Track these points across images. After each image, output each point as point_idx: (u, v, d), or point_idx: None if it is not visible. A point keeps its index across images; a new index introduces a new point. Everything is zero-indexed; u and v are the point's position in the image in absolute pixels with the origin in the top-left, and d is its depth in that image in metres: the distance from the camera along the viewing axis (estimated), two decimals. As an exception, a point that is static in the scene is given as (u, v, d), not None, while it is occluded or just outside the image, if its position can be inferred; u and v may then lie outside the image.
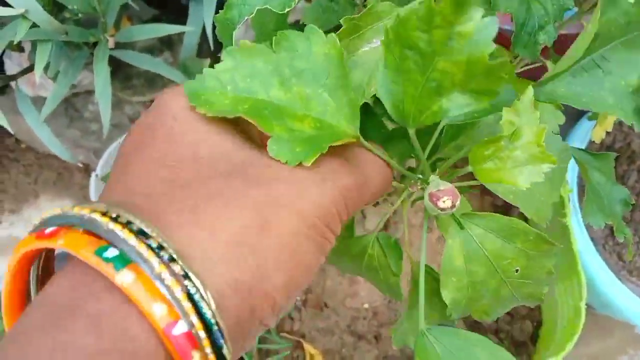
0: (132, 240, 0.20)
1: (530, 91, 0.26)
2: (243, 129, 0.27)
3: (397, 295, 0.35)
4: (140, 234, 0.20)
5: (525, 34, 0.32)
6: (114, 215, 0.20)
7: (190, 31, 0.66)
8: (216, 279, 0.21)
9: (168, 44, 0.94)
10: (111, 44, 0.57)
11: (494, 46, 0.25)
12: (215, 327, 0.20)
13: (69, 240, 0.20)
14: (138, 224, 0.20)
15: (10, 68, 0.79)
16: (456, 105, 0.26)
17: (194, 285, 0.20)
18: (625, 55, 0.30)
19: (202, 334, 0.19)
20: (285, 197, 0.23)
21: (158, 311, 0.19)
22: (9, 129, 0.60)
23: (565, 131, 0.84)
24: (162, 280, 0.19)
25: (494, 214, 0.29)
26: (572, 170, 0.79)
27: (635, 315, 0.74)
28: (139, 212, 0.21)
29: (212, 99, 0.26)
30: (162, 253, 0.20)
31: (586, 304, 0.93)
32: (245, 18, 0.31)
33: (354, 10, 0.41)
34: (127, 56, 0.66)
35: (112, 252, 0.19)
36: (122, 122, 0.98)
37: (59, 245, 0.20)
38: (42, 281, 0.23)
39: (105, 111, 0.63)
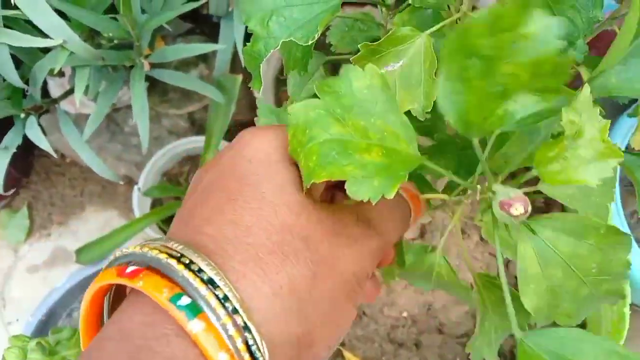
0: (203, 290, 0.21)
1: (587, 88, 0.25)
2: None
3: (473, 301, 0.34)
4: (210, 283, 0.22)
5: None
6: (187, 262, 0.22)
7: (222, 49, 0.67)
8: (273, 330, 0.23)
9: (203, 57, 0.95)
10: (146, 67, 0.59)
11: (558, 44, 0.24)
12: None
13: (147, 283, 0.22)
14: (208, 272, 0.22)
15: (54, 89, 0.82)
16: (522, 106, 0.26)
17: (252, 337, 0.21)
18: None
19: None
20: (329, 257, 0.25)
21: (222, 359, 0.21)
22: (51, 152, 0.63)
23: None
24: (226, 331, 0.21)
25: (561, 213, 0.29)
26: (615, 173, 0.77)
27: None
28: (206, 256, 0.23)
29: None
30: (227, 304, 0.22)
31: (634, 304, 0.91)
32: (271, 51, 0.32)
33: (379, 30, 0.41)
34: (162, 75, 0.68)
35: (185, 301, 0.21)
36: (161, 135, 1.01)
37: (139, 286, 0.22)
38: (112, 305, 0.26)
39: (143, 130, 0.65)
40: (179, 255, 0.22)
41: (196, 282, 0.21)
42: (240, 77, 0.73)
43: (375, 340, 0.72)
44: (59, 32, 0.52)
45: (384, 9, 0.37)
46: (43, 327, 0.78)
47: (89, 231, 1.13)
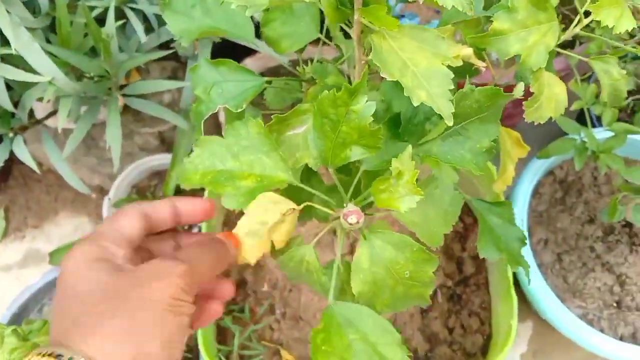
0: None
1: (409, 147, 0.38)
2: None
3: (326, 291, 0.45)
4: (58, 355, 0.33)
5: (412, 125, 0.44)
6: (48, 352, 0.34)
7: (187, 86, 0.78)
8: (112, 356, 0.34)
9: (175, 79, 1.06)
10: (120, 102, 0.70)
11: (371, 118, 0.38)
12: None
13: None
14: (57, 351, 0.34)
15: (38, 109, 0.92)
16: (355, 154, 0.39)
17: None
18: (479, 127, 0.42)
19: None
20: (139, 294, 0.36)
21: None
22: (35, 168, 0.73)
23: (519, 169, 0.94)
24: None
25: (390, 231, 0.41)
26: (523, 207, 0.90)
27: (575, 335, 0.84)
28: (60, 343, 0.35)
29: (190, 177, 0.39)
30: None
31: (543, 319, 1.03)
32: (210, 113, 0.43)
33: (302, 93, 0.53)
34: (135, 103, 0.79)
35: None
36: (133, 151, 1.11)
37: None
38: None
39: (116, 152, 0.76)
40: (44, 352, 0.34)
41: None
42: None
43: (309, 342, 0.82)
44: (48, 70, 0.63)
45: (304, 83, 0.49)
46: (16, 319, 0.87)
47: (61, 235, 1.22)
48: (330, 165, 0.40)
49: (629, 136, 0.84)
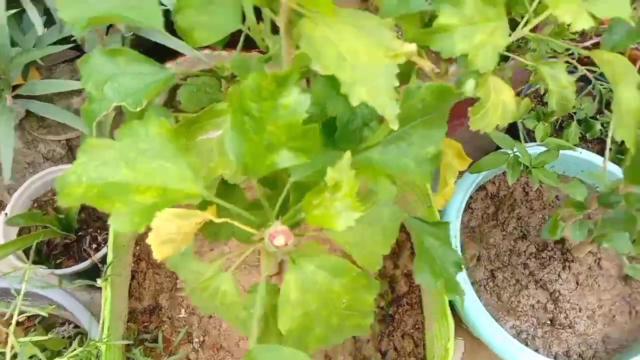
0: None
1: (348, 154, 0.32)
2: None
3: (248, 328, 0.38)
4: None
5: (348, 131, 0.38)
6: None
7: (93, 87, 0.69)
8: None
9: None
10: (9, 101, 0.60)
11: (306, 115, 0.31)
12: None
13: None
14: None
15: None
16: (283, 160, 0.33)
17: None
18: (424, 131, 0.37)
19: None
20: None
21: None
22: None
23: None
24: None
25: (324, 254, 0.35)
26: (456, 222, 0.86)
27: (509, 354, 0.81)
28: None
29: (71, 191, 0.31)
30: None
31: (477, 337, 1.00)
32: (104, 112, 0.36)
33: (221, 93, 0.46)
34: (32, 106, 0.69)
35: None
36: (36, 161, 1.00)
37: None
38: None
39: (6, 159, 0.66)
40: None
41: None
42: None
43: (231, 373, 0.75)
44: None
45: (222, 80, 0.42)
46: None
47: (-50, 256, 1.08)
48: (253, 175, 0.33)
49: (561, 152, 0.83)
